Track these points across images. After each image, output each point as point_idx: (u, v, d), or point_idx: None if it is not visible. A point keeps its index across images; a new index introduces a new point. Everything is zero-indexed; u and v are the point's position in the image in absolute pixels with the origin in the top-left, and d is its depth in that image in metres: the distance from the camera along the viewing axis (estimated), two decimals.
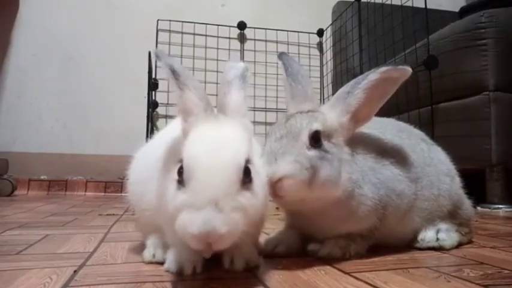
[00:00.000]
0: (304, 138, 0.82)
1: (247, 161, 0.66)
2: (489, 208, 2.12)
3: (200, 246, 0.60)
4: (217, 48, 3.60)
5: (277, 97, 3.65)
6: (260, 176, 0.71)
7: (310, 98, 0.94)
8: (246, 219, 0.63)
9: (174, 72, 0.74)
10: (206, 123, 0.71)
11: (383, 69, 0.89)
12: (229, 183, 0.63)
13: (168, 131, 0.91)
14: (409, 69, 0.89)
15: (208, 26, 3.59)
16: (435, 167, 1.03)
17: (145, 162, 0.89)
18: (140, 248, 0.95)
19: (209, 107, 0.74)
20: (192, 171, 0.63)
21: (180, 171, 0.65)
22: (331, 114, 0.89)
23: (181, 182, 0.64)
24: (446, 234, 1.00)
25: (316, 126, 0.84)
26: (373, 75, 0.88)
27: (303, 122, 0.84)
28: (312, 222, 0.92)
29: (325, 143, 0.84)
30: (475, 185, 1.25)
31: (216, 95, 0.82)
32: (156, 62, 3.00)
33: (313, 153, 0.81)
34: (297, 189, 0.77)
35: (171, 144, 0.80)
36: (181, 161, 0.66)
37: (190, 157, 0.65)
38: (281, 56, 1.02)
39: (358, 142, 0.93)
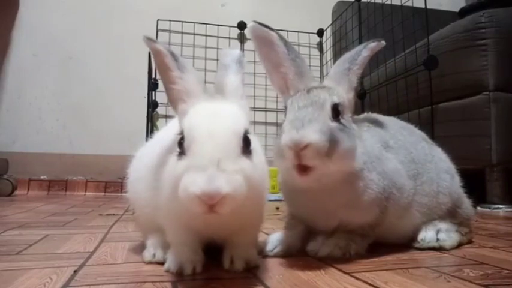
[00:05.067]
0: (328, 109, 0.82)
1: (246, 132, 0.68)
2: (489, 208, 2.12)
3: (204, 209, 0.59)
4: (217, 48, 3.59)
5: (277, 97, 3.65)
6: (260, 158, 0.72)
7: (313, 77, 0.94)
8: (247, 186, 0.62)
9: (173, 54, 0.77)
10: (205, 102, 0.73)
11: (372, 45, 0.96)
12: (230, 146, 0.64)
13: (168, 129, 0.92)
14: (384, 42, 0.98)
15: (208, 26, 3.59)
16: (435, 164, 1.04)
17: (145, 159, 0.90)
18: (140, 248, 0.95)
19: (207, 90, 0.77)
20: (192, 137, 0.64)
21: (181, 142, 0.67)
22: (340, 90, 0.90)
23: (182, 152, 0.66)
24: (446, 234, 1.00)
25: (336, 99, 0.85)
26: (365, 51, 0.95)
27: (325, 94, 0.85)
28: (315, 206, 0.91)
29: (340, 118, 0.85)
30: (475, 185, 1.25)
31: None
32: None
33: (335, 124, 0.82)
34: (321, 158, 0.77)
35: (171, 135, 0.81)
36: (181, 132, 0.67)
37: (190, 125, 0.67)
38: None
39: (363, 132, 0.94)
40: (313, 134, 0.76)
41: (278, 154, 0.81)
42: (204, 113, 0.69)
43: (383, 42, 0.98)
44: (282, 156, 0.79)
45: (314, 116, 0.79)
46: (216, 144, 0.62)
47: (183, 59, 0.79)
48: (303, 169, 0.78)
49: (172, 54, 0.77)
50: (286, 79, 0.92)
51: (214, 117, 0.67)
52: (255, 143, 0.71)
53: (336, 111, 0.84)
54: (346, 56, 0.95)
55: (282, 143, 0.77)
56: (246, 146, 0.66)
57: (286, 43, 0.93)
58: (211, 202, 0.58)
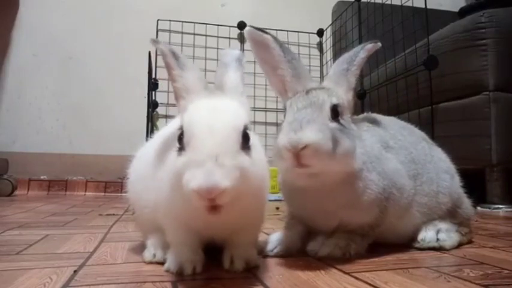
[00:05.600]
0: (327, 109, 0.83)
1: (246, 128, 0.68)
2: (489, 208, 2.12)
3: (204, 203, 0.60)
4: (217, 48, 3.59)
5: (277, 97, 3.64)
6: (260, 155, 0.72)
7: (311, 78, 0.94)
8: (246, 180, 0.63)
9: (174, 53, 0.78)
10: (205, 98, 0.74)
11: (369, 46, 0.97)
12: (229, 141, 0.64)
13: (168, 129, 0.92)
14: (380, 44, 1.00)
15: (208, 26, 3.59)
16: (435, 164, 1.05)
17: (145, 159, 0.90)
18: (140, 248, 0.95)
19: (207, 87, 0.78)
20: (192, 132, 0.65)
21: (181, 138, 0.67)
22: (339, 91, 0.90)
23: (181, 148, 0.66)
24: (446, 234, 1.01)
25: (335, 100, 0.85)
26: (363, 53, 0.96)
27: (324, 95, 0.85)
28: (315, 207, 0.91)
29: (340, 119, 0.85)
30: (475, 185, 1.25)
31: None
32: (156, 61, 3.02)
33: (334, 125, 0.82)
34: (321, 158, 0.77)
35: (169, 134, 0.82)
36: (181, 128, 0.68)
37: (190, 120, 0.67)
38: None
39: (363, 132, 0.94)
40: (312, 134, 0.76)
41: (277, 155, 0.82)
42: (204, 108, 0.69)
43: (379, 44, 0.99)
44: (281, 157, 0.80)
45: (313, 117, 0.80)
46: (215, 140, 0.63)
47: (185, 57, 0.80)
48: (300, 165, 0.78)
49: (173, 53, 0.78)
50: (284, 81, 0.92)
51: (214, 112, 0.68)
52: (255, 140, 0.72)
53: (335, 112, 0.84)
54: (345, 56, 0.96)
55: (280, 145, 0.77)
56: (245, 141, 0.66)
57: (281, 45, 0.93)
58: (210, 197, 0.59)
